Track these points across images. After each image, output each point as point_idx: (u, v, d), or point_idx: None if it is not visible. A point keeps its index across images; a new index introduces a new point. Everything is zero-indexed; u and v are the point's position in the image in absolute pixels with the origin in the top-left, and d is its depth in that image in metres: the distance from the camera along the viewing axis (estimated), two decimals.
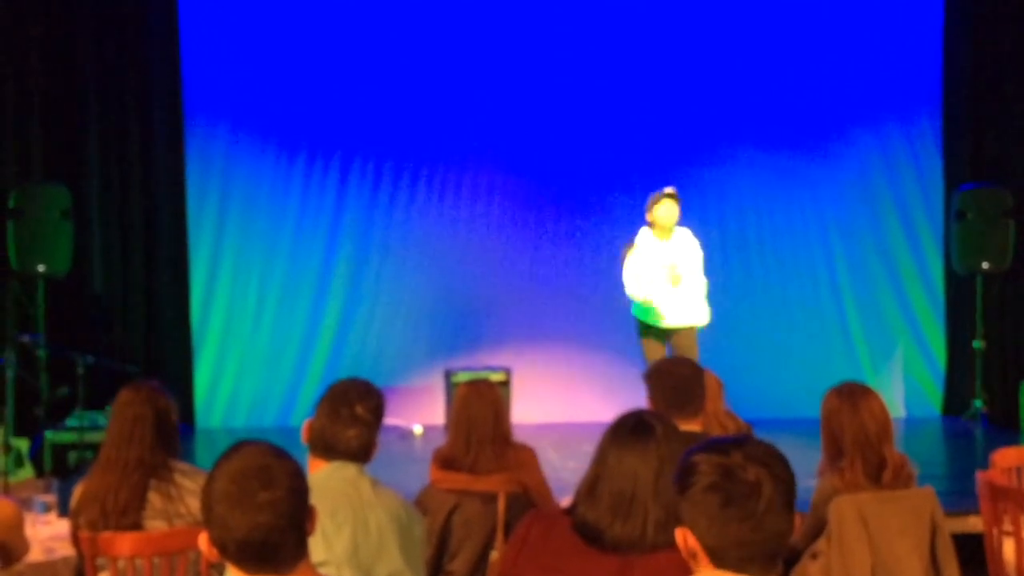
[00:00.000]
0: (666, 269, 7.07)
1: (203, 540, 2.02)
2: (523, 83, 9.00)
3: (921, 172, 9.19)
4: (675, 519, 2.22)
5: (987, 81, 8.94)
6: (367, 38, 8.95)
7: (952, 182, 8.98)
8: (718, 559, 1.92)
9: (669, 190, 7.13)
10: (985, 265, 8.52)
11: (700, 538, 1.92)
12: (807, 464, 3.95)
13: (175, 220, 8.81)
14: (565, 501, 2.86)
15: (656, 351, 7.12)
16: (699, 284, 7.18)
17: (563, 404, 8.79)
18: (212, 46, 8.86)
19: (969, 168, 8.96)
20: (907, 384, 9.13)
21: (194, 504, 3.40)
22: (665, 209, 7.08)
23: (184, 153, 8.80)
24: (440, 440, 5.34)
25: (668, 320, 7.14)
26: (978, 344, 8.61)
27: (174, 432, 3.62)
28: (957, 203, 8.62)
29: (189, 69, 8.82)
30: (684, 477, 1.95)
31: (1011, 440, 7.29)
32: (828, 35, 9.06)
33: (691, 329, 7.16)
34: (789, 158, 9.09)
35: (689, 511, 1.93)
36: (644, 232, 7.21)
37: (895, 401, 8.85)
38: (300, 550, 2.02)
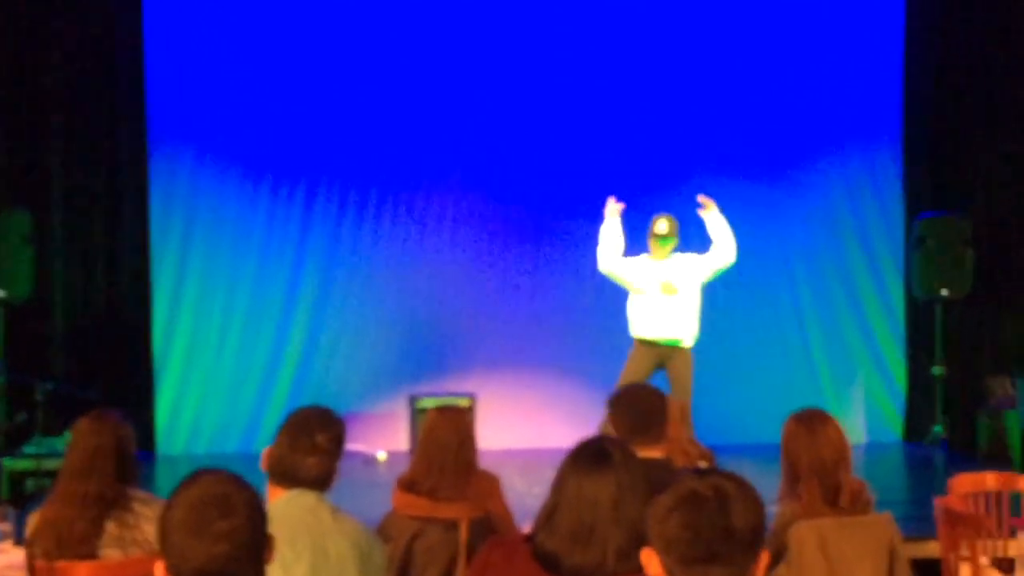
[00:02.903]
0: (660, 282, 7.21)
1: (159, 569, 2.01)
2: (491, 110, 9.04)
3: (882, 200, 9.30)
4: (636, 545, 2.23)
5: (947, 110, 9.07)
6: (334, 64, 8.97)
7: (912, 210, 9.09)
8: None
9: (666, 214, 7.33)
10: (945, 292, 8.61)
11: (663, 562, 1.93)
12: (769, 490, 3.97)
13: (138, 245, 8.76)
14: (529, 528, 2.87)
15: (638, 364, 7.19)
16: (693, 303, 7.29)
17: (528, 430, 8.79)
18: (178, 71, 8.85)
19: (929, 196, 9.07)
20: (868, 410, 9.20)
21: (150, 531, 3.37)
22: (657, 224, 7.28)
23: (148, 178, 8.77)
24: (404, 466, 5.33)
25: (656, 332, 7.20)
26: (938, 370, 8.69)
27: (133, 462, 3.59)
28: (917, 231, 8.72)
29: (154, 94, 8.80)
30: (654, 500, 1.96)
31: (970, 466, 7.36)
32: (791, 65, 9.17)
33: (683, 352, 7.23)
34: (753, 185, 9.16)
35: (653, 532, 1.94)
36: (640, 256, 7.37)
37: (856, 427, 8.91)
38: None
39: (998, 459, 7.84)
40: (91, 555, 3.42)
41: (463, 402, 8.04)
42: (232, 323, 8.92)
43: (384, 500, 4.32)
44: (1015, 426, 7.87)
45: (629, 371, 7.26)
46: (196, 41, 8.87)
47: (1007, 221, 8.97)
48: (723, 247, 7.39)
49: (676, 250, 7.41)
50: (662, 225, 7.30)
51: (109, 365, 8.70)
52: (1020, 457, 7.72)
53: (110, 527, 3.44)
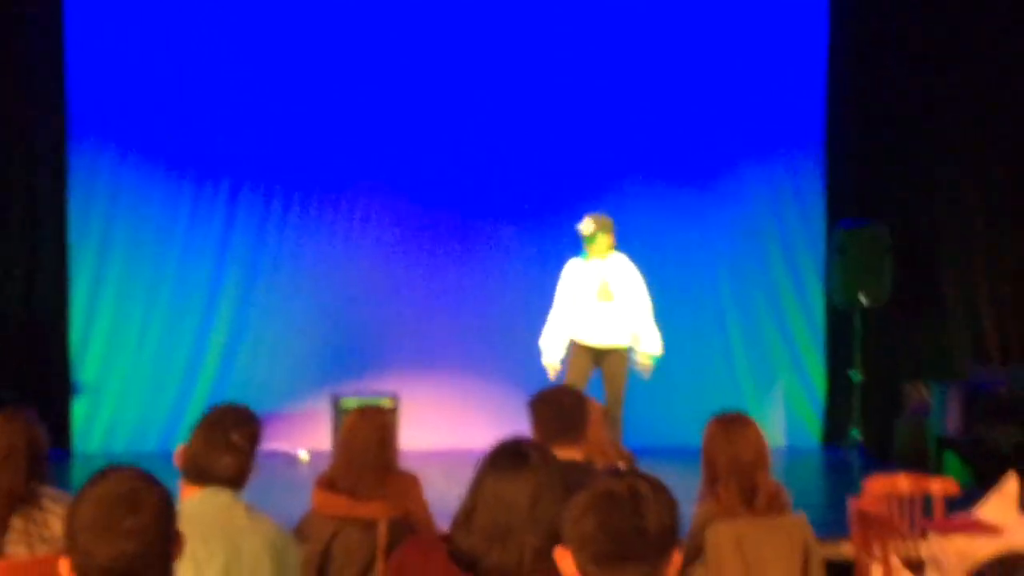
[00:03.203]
0: (597, 285, 7.16)
1: (64, 567, 1.97)
2: (414, 111, 9.01)
3: (804, 207, 9.43)
4: (553, 546, 2.24)
5: (869, 118, 9.21)
6: (258, 61, 8.88)
7: (834, 218, 9.23)
8: None
9: (592, 214, 7.31)
10: (864, 299, 8.76)
11: (577, 560, 1.94)
12: (689, 492, 4.01)
13: (56, 241, 8.60)
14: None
15: (578, 367, 7.22)
16: (634, 308, 7.26)
17: (451, 430, 8.77)
18: (99, 65, 8.70)
19: (850, 205, 9.21)
20: (788, 414, 9.33)
21: (58, 528, 3.31)
22: (582, 225, 7.25)
23: (67, 173, 8.61)
24: (326, 466, 5.29)
25: (593, 339, 7.20)
26: (856, 376, 8.85)
27: (44, 461, 3.53)
28: (838, 239, 8.87)
29: (74, 88, 8.64)
30: (569, 499, 1.97)
31: (886, 470, 7.48)
32: (715, 73, 9.26)
33: (619, 352, 7.23)
34: (677, 192, 9.25)
35: (567, 531, 1.95)
36: (572, 261, 7.34)
37: (776, 431, 9.03)
38: None
39: (913, 463, 8.00)
40: None
41: (386, 402, 7.99)
42: (153, 321, 8.79)
43: (306, 500, 4.29)
44: (929, 431, 8.04)
45: (570, 375, 7.29)
46: (118, 35, 8.73)
47: (926, 230, 9.16)
48: (640, 334, 7.34)
49: (617, 249, 7.34)
50: (586, 225, 7.30)
51: (25, 362, 8.52)
52: (934, 461, 7.88)
53: (18, 524, 3.38)
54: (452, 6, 9.09)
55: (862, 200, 9.20)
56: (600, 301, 7.23)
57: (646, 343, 7.40)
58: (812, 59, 9.35)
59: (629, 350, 7.36)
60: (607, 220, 7.33)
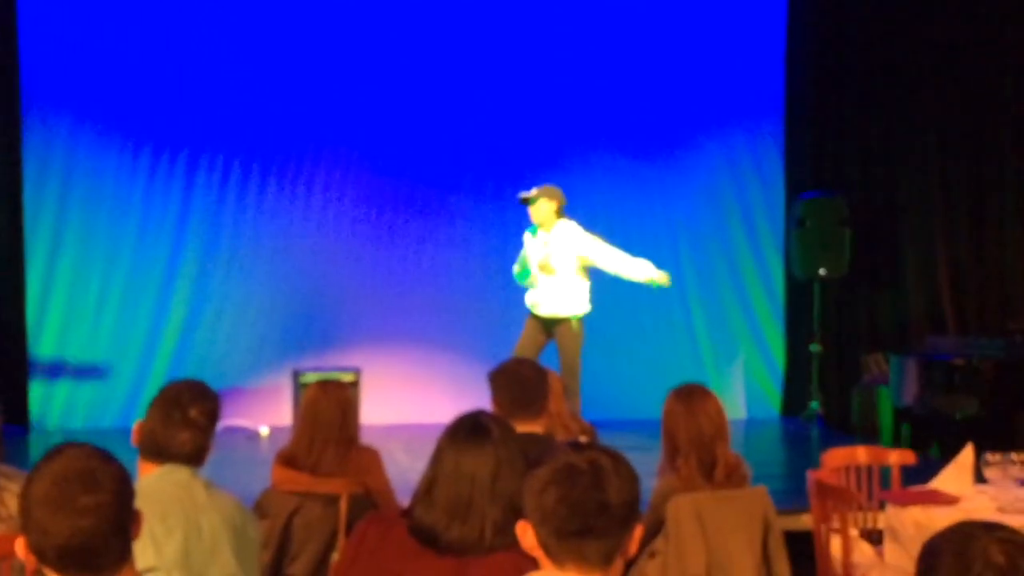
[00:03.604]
0: (539, 258, 7.23)
1: (20, 545, 1.94)
2: (376, 81, 8.95)
3: (764, 179, 9.47)
4: (513, 520, 2.24)
5: (828, 91, 9.26)
6: (215, 30, 8.78)
7: (794, 189, 9.27)
8: (554, 556, 1.93)
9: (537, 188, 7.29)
10: (823, 271, 8.83)
11: (538, 534, 1.94)
12: (650, 465, 4.03)
13: (11, 215, 8.48)
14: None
15: (528, 335, 7.28)
16: (572, 276, 7.23)
17: (413, 405, 8.76)
18: (52, 34, 8.56)
19: (810, 176, 9.26)
20: (748, 386, 9.39)
21: (14, 505, 3.27)
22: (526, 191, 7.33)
23: (21, 145, 8.48)
24: (287, 441, 5.27)
25: (539, 309, 7.27)
26: (815, 348, 8.92)
27: None
28: (797, 211, 8.91)
29: (27, 57, 8.51)
30: (530, 473, 1.97)
31: (845, 441, 7.58)
32: (674, 44, 9.26)
33: (566, 322, 7.25)
34: (637, 164, 9.26)
35: (529, 505, 1.95)
36: (527, 232, 7.41)
37: (736, 403, 9.09)
38: (124, 555, 1.97)
39: (870, 434, 8.09)
40: None
41: (348, 377, 7.97)
42: (110, 295, 8.70)
43: (266, 476, 4.27)
44: (886, 402, 8.12)
45: (521, 343, 7.32)
46: (70, 4, 8.58)
47: (884, 203, 9.23)
48: (628, 272, 7.35)
49: (562, 217, 7.29)
50: (528, 192, 7.28)
51: None
52: (891, 432, 7.97)
53: None
54: None
55: (821, 172, 9.25)
56: (541, 273, 7.22)
57: (643, 271, 7.35)
58: (771, 30, 9.37)
59: (580, 320, 7.31)
60: (551, 188, 7.30)
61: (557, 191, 7.30)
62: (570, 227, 7.29)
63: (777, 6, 9.36)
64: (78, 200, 8.65)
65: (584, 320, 7.39)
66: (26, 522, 1.92)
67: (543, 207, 7.23)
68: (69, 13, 8.58)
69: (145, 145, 8.74)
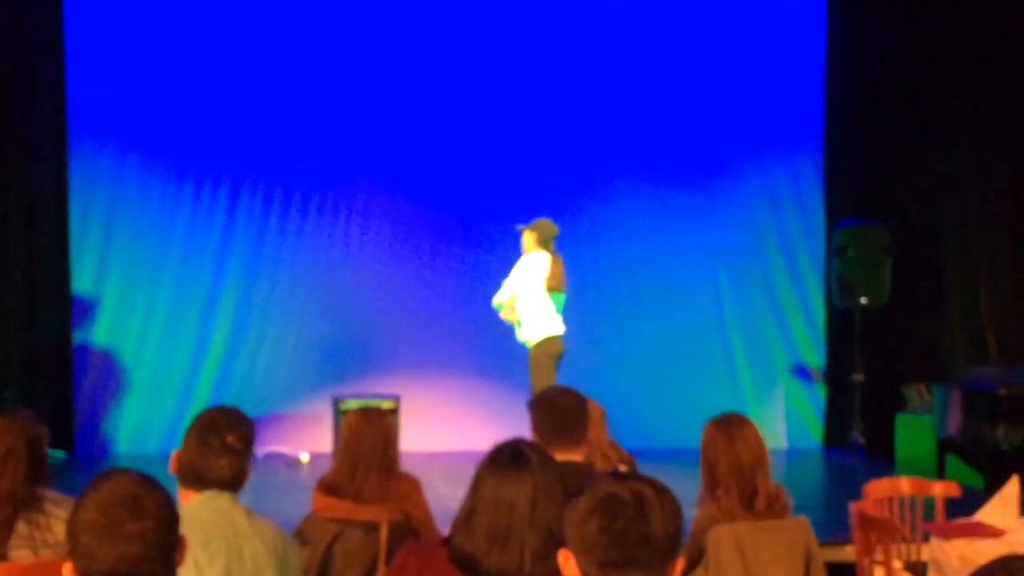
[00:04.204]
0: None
1: (67, 570, 1.97)
2: (414, 111, 9.03)
3: (803, 208, 9.44)
4: (552, 548, 2.24)
5: (868, 119, 9.23)
6: (258, 61, 8.89)
7: (833, 218, 9.23)
8: None
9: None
10: (864, 300, 8.76)
11: (580, 564, 1.93)
12: (690, 494, 4.01)
13: (57, 243, 8.61)
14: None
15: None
16: (529, 304, 7.50)
17: (452, 432, 8.77)
18: (99, 67, 8.71)
19: (850, 204, 9.22)
20: (788, 415, 9.33)
21: (61, 531, 3.29)
22: None
23: (68, 173, 8.62)
24: (327, 468, 5.28)
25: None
26: (857, 377, 8.84)
27: (45, 462, 3.52)
28: (837, 239, 8.87)
29: (75, 89, 8.66)
30: (573, 502, 1.97)
31: (887, 471, 7.49)
32: (715, 73, 9.27)
33: (530, 350, 7.49)
34: (677, 192, 9.26)
35: (570, 534, 1.95)
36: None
37: (777, 432, 9.04)
38: None
39: (914, 465, 8.00)
40: (1, 556, 3.34)
41: (387, 404, 7.99)
42: (153, 323, 8.80)
43: (307, 502, 4.28)
44: (929, 433, 8.03)
45: None
46: (118, 35, 8.74)
47: (925, 230, 9.16)
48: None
49: (543, 248, 7.57)
50: (524, 224, 7.64)
51: (27, 363, 8.52)
52: (934, 463, 7.87)
53: (21, 528, 3.37)
54: (453, 7, 9.09)
55: (861, 200, 9.21)
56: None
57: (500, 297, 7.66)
58: (811, 59, 9.37)
59: (539, 345, 7.48)
60: (538, 221, 7.60)
61: (543, 224, 7.56)
62: (532, 258, 7.52)
63: (816, 33, 9.35)
64: (123, 228, 8.76)
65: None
66: (74, 547, 1.95)
67: (525, 239, 7.58)
68: (115, 46, 8.73)
69: (188, 174, 8.86)
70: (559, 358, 7.55)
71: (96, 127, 8.71)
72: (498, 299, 7.66)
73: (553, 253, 7.61)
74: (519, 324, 7.57)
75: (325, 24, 8.95)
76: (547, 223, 7.61)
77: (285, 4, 8.95)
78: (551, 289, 7.56)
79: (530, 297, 7.52)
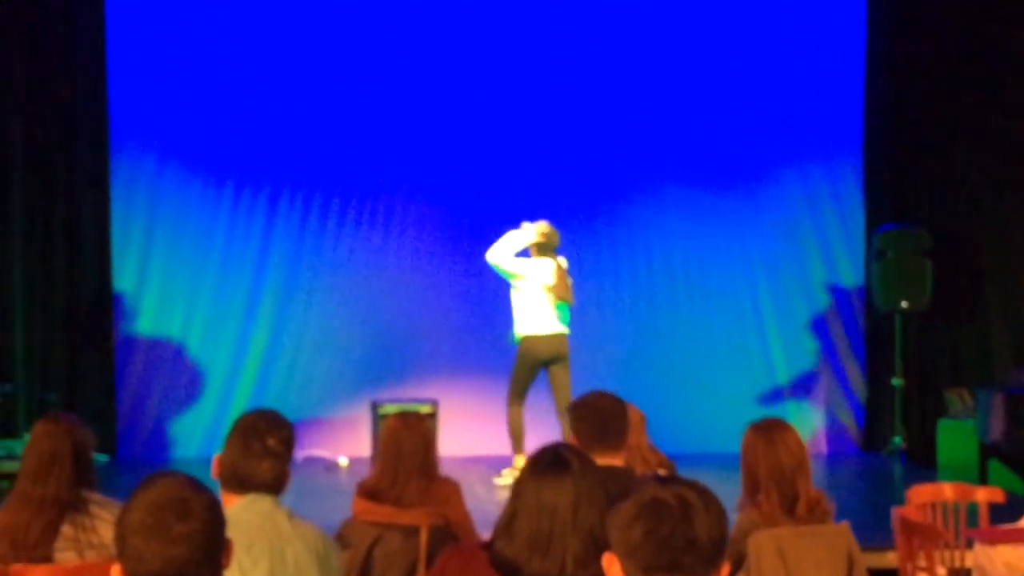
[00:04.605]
0: None
1: (116, 572, 1.99)
2: (451, 116, 9.05)
3: (843, 211, 9.38)
4: (594, 553, 2.23)
5: (908, 122, 9.15)
6: (298, 69, 8.95)
7: (873, 221, 9.17)
8: None
9: None
10: (904, 304, 8.70)
11: (625, 568, 1.93)
12: (728, 499, 3.98)
13: (99, 249, 8.71)
14: (489, 535, 2.87)
15: None
16: (518, 298, 7.69)
17: (490, 437, 8.76)
18: (141, 73, 8.80)
19: (890, 208, 9.15)
20: (828, 420, 9.27)
21: (106, 534, 3.34)
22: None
23: (109, 180, 8.72)
24: (366, 472, 5.31)
25: None
26: (897, 381, 8.78)
27: (91, 465, 3.56)
28: (877, 243, 8.80)
29: (116, 94, 8.75)
30: (617, 506, 1.97)
31: (929, 477, 7.43)
32: (753, 77, 9.23)
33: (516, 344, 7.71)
34: (715, 196, 9.23)
35: (615, 538, 1.94)
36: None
37: (816, 437, 8.98)
38: None
39: (956, 470, 7.92)
40: (47, 558, 3.39)
41: (425, 408, 8.01)
42: (193, 328, 8.87)
43: (346, 505, 4.31)
44: (972, 438, 7.95)
45: None
46: (159, 44, 8.83)
47: (966, 233, 9.07)
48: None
49: (543, 254, 7.71)
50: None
51: (69, 367, 8.62)
52: (977, 468, 7.79)
53: (66, 530, 3.41)
54: (490, 15, 9.11)
55: (901, 203, 9.14)
56: None
57: None
58: (851, 61, 9.31)
59: (518, 342, 7.68)
60: (540, 224, 7.75)
61: (538, 226, 7.67)
62: (540, 262, 7.67)
63: (856, 36, 9.29)
64: (163, 234, 8.85)
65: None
66: (122, 549, 1.97)
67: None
68: (157, 53, 8.82)
69: (228, 181, 8.93)
70: (550, 359, 7.63)
71: (137, 133, 8.80)
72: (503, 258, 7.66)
73: (557, 261, 7.69)
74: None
75: (366, 33, 8.99)
76: (539, 225, 7.69)
77: (326, 14, 9.00)
78: (559, 299, 7.62)
79: (523, 294, 7.61)
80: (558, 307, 7.67)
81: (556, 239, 7.72)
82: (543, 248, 7.67)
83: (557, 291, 7.62)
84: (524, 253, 7.71)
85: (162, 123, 8.83)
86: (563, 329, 7.67)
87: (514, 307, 7.67)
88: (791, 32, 9.27)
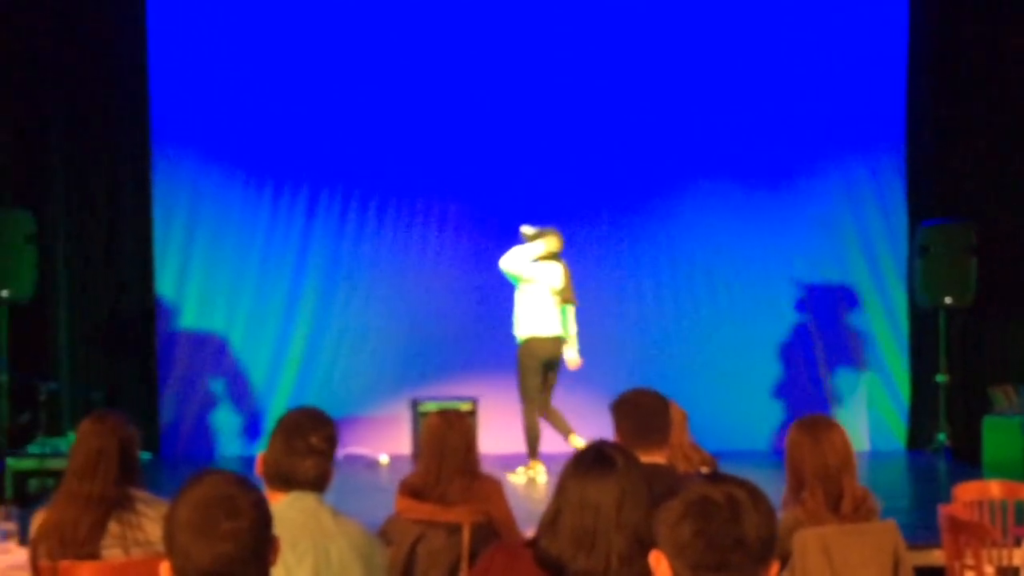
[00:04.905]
0: None
1: (164, 569, 2.00)
2: (490, 114, 9.05)
3: (885, 207, 9.29)
4: (638, 551, 2.21)
5: (950, 117, 9.06)
6: (337, 70, 8.99)
7: (916, 217, 9.08)
8: None
9: None
10: (948, 300, 8.60)
11: (673, 567, 1.92)
12: (771, 498, 3.96)
13: (141, 247, 8.78)
14: (531, 532, 2.86)
15: None
16: (523, 299, 7.81)
17: None
18: (181, 75, 8.87)
19: (933, 202, 9.06)
20: (871, 418, 9.19)
21: (152, 531, 3.37)
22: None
23: (151, 180, 8.79)
24: (406, 469, 5.31)
25: None
26: (942, 378, 8.68)
27: (136, 463, 3.59)
28: (921, 238, 8.71)
29: (157, 96, 8.82)
30: (664, 504, 1.95)
31: (974, 474, 7.34)
32: (794, 71, 9.18)
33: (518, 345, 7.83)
34: (756, 193, 9.17)
35: (662, 537, 1.93)
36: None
37: (859, 435, 8.90)
38: None
39: (1003, 468, 7.82)
40: (94, 555, 3.42)
41: (465, 406, 8.03)
42: (235, 326, 8.93)
43: (386, 503, 4.32)
44: (1018, 435, 7.85)
45: None
46: (199, 45, 8.89)
47: (1011, 228, 8.96)
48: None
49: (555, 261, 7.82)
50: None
51: (112, 366, 8.70)
52: (1023, 466, 7.70)
53: (113, 527, 3.44)
54: (527, 16, 9.09)
55: (944, 198, 9.05)
56: None
57: None
58: (892, 55, 9.22)
59: (523, 343, 7.78)
60: (545, 229, 7.87)
61: (548, 239, 7.79)
62: (547, 267, 7.77)
63: (898, 29, 9.21)
64: (204, 234, 8.91)
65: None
66: (170, 546, 1.98)
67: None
68: (196, 55, 8.88)
69: (267, 181, 8.98)
70: (549, 361, 7.75)
71: (178, 134, 8.87)
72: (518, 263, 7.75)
73: (563, 264, 7.82)
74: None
75: (404, 35, 9.01)
76: (557, 233, 7.82)
77: (363, 15, 9.02)
78: (565, 301, 7.78)
79: (529, 295, 7.70)
80: (562, 310, 7.79)
81: (563, 246, 7.87)
82: (551, 253, 7.79)
83: (564, 294, 7.77)
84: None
85: (202, 125, 8.89)
86: (562, 332, 7.81)
87: (519, 308, 7.76)
88: (832, 24, 9.20)
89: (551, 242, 7.80)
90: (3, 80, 8.32)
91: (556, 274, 7.78)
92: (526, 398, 7.72)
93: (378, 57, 9.00)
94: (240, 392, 8.92)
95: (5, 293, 7.77)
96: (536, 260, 7.76)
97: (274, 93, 8.93)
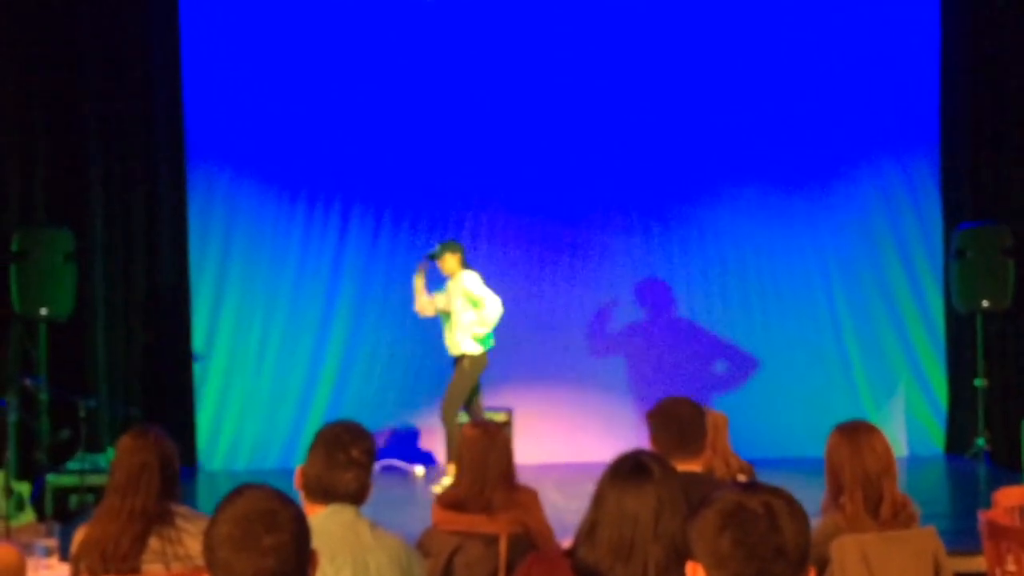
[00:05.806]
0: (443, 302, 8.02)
1: None
2: (521, 126, 9.07)
3: (920, 210, 9.23)
4: (676, 560, 2.21)
5: (985, 119, 8.99)
6: (370, 84, 9.04)
7: (951, 220, 9.02)
8: None
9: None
10: (985, 303, 8.53)
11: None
12: (808, 505, 3.93)
13: (177, 263, 8.86)
14: (567, 542, 2.87)
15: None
16: (466, 319, 7.84)
17: (565, 444, 8.78)
18: (216, 91, 8.95)
19: (968, 206, 8.99)
20: (909, 422, 9.12)
21: (192, 546, 3.39)
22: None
23: (187, 196, 8.87)
24: (441, 481, 5.32)
25: (448, 351, 7.97)
26: (980, 382, 8.61)
27: (177, 478, 3.61)
28: (957, 241, 8.65)
29: (192, 113, 8.90)
30: (697, 514, 1.95)
31: (1014, 479, 7.28)
32: (827, 75, 9.14)
33: (461, 359, 7.88)
34: (789, 197, 9.14)
35: (699, 547, 1.93)
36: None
37: (897, 440, 8.84)
38: None
39: None
40: (135, 570, 3.44)
41: (500, 416, 8.04)
42: (270, 340, 8.98)
43: (422, 515, 4.32)
44: None
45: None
46: (234, 61, 8.97)
47: None
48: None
49: (466, 267, 7.87)
50: (434, 248, 7.97)
51: (150, 382, 8.77)
52: None
53: (153, 542, 3.47)
54: (558, 22, 9.11)
55: (980, 200, 8.98)
56: (444, 315, 7.91)
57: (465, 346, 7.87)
58: (926, 58, 9.17)
59: (474, 359, 7.79)
60: (452, 243, 7.91)
61: (456, 246, 7.88)
62: (466, 277, 7.80)
63: (931, 32, 9.16)
64: (239, 249, 8.97)
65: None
66: (211, 561, 2.00)
67: (448, 261, 7.84)
68: (231, 72, 8.95)
69: (301, 195, 9.04)
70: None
71: (213, 151, 8.94)
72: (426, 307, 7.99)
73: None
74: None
75: (437, 48, 9.05)
76: (457, 243, 7.96)
77: (398, 33, 9.06)
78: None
79: (477, 314, 7.79)
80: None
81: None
82: (464, 264, 7.90)
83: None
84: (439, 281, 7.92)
85: (237, 140, 8.97)
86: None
87: (469, 325, 7.80)
88: (866, 29, 9.16)
89: (462, 251, 7.93)
90: (41, 100, 8.42)
91: (477, 280, 7.86)
92: (453, 408, 7.76)
93: (412, 74, 9.03)
94: (276, 406, 8.96)
95: (44, 311, 7.85)
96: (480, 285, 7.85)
97: (307, 108, 8.99)
